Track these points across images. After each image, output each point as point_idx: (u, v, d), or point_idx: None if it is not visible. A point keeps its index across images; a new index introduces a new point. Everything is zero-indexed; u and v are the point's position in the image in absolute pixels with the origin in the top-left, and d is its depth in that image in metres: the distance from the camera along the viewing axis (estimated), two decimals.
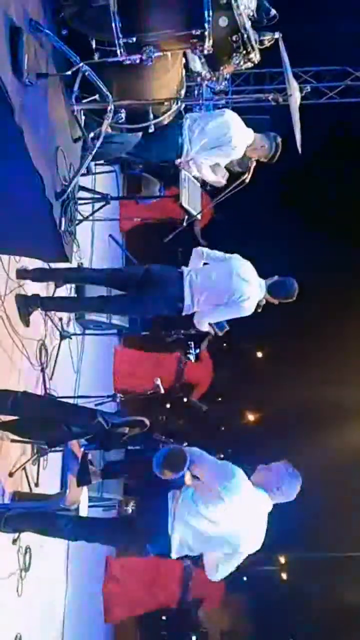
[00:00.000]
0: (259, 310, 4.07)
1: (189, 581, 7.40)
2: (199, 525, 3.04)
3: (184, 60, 3.78)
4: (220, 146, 4.31)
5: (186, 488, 3.09)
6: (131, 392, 6.44)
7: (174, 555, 3.09)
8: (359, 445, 10.34)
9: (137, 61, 2.98)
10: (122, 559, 7.04)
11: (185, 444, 3.40)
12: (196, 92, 3.99)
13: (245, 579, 9.98)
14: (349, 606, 10.22)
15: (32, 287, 3.96)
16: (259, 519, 3.16)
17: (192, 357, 8.47)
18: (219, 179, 4.56)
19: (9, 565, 3.56)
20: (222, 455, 3.45)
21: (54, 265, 3.95)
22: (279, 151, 4.38)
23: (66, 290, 4.68)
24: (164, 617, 10.16)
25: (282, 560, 11.54)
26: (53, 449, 3.75)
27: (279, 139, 4.39)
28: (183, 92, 3.64)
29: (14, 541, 3.57)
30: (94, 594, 6.80)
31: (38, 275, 3.89)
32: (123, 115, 3.20)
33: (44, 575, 4.21)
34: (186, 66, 4.04)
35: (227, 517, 3.05)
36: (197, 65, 4.59)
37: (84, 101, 3.05)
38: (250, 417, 13.03)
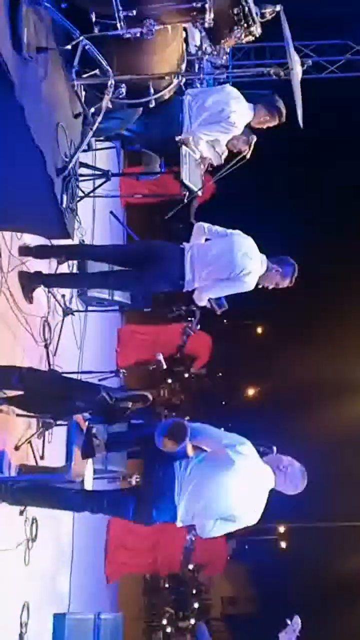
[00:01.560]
0: (260, 287, 4.10)
1: (191, 547, 7.56)
2: (206, 491, 3.10)
3: (184, 35, 3.75)
4: (219, 122, 4.29)
5: (194, 456, 3.16)
6: (134, 367, 6.50)
7: (179, 524, 3.16)
8: (357, 420, 10.45)
9: (138, 35, 2.96)
10: (124, 523, 7.17)
11: (187, 418, 3.46)
12: (197, 66, 3.96)
13: (246, 547, 10.18)
14: (347, 574, 10.44)
15: (35, 264, 3.98)
16: (261, 491, 3.23)
17: (193, 325, 8.53)
18: (216, 155, 4.55)
19: (16, 536, 3.65)
20: (222, 429, 3.51)
21: (55, 242, 3.97)
22: (283, 111, 4.34)
23: (68, 267, 4.71)
24: (167, 585, 10.39)
25: (282, 529, 11.74)
26: (58, 422, 3.81)
27: (279, 102, 4.34)
28: (184, 66, 3.62)
29: (21, 512, 3.65)
30: (100, 562, 6.96)
31: (40, 252, 3.91)
32: (124, 90, 3.19)
33: (51, 545, 4.31)
34: (186, 40, 4.00)
35: (234, 481, 3.11)
36: (197, 39, 4.56)
37: (85, 76, 3.04)
38: (251, 392, 13.14)
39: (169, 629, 10.47)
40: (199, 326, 8.65)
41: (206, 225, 4.11)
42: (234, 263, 3.92)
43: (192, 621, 9.89)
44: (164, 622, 10.51)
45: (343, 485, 10.33)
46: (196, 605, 10.57)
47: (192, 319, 8.88)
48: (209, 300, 4.12)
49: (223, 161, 4.46)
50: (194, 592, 10.62)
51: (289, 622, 3.96)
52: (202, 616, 10.66)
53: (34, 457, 3.86)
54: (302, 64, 3.95)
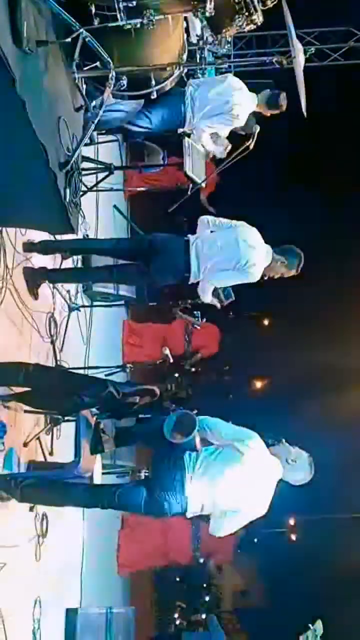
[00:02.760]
0: (265, 278, 4.07)
1: (199, 538, 7.59)
2: (215, 484, 3.11)
3: (185, 24, 3.71)
4: (222, 114, 4.26)
5: (204, 449, 3.16)
6: (140, 362, 6.50)
7: (189, 515, 3.16)
8: None
9: (138, 26, 2.94)
10: (137, 518, 7.20)
11: (195, 411, 3.45)
12: (198, 56, 3.92)
13: (255, 540, 10.19)
14: (358, 566, 10.43)
15: (39, 260, 3.97)
16: (269, 484, 3.23)
17: (198, 327, 8.50)
18: (218, 148, 4.51)
19: (27, 532, 3.66)
20: (230, 422, 3.50)
21: (60, 237, 3.95)
22: (285, 102, 4.30)
23: (72, 262, 4.69)
24: (178, 579, 10.42)
25: (292, 522, 11.76)
26: (66, 418, 3.81)
27: (279, 94, 4.31)
28: (185, 56, 3.58)
29: (31, 508, 3.65)
30: (111, 557, 6.98)
31: (44, 248, 3.90)
32: (125, 82, 3.15)
33: (61, 541, 4.32)
34: (187, 30, 3.96)
35: (244, 473, 3.12)
36: (198, 28, 4.52)
37: (85, 69, 3.01)
38: (259, 383, 13.12)
39: (180, 623, 10.51)
40: (205, 319, 8.62)
41: (210, 217, 4.09)
42: (238, 254, 3.89)
43: (204, 615, 9.93)
44: (176, 615, 10.55)
45: (353, 477, 10.31)
46: (207, 598, 10.61)
47: (198, 312, 8.85)
48: (215, 291, 4.09)
49: (226, 154, 4.42)
50: (205, 585, 10.66)
51: (310, 626, 3.92)
52: (213, 609, 10.71)
53: (43, 453, 3.86)
54: (305, 52, 3.89)
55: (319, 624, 3.89)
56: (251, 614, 12.51)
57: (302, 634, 3.88)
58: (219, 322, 9.12)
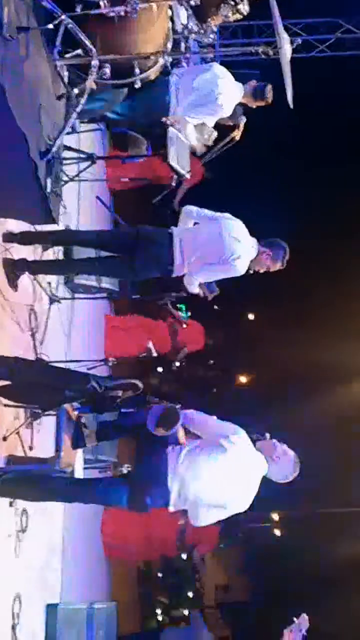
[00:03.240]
0: (251, 272, 4.03)
1: (184, 530, 7.61)
2: (198, 478, 3.09)
3: (169, 13, 3.65)
4: (207, 103, 4.20)
5: (187, 443, 3.14)
6: (123, 357, 6.44)
7: (172, 508, 3.14)
8: (352, 405, 10.50)
9: (122, 13, 2.88)
10: (117, 512, 7.19)
11: (179, 405, 3.42)
12: (183, 45, 3.87)
13: (240, 535, 10.25)
14: (341, 561, 10.55)
15: (19, 251, 3.89)
16: (253, 479, 3.22)
17: (185, 325, 8.48)
18: (200, 142, 4.46)
19: (6, 527, 3.61)
20: (214, 417, 3.49)
21: (40, 227, 3.88)
22: (271, 94, 4.26)
23: (54, 253, 4.62)
24: (160, 574, 10.45)
25: (276, 517, 11.83)
26: (47, 412, 3.75)
27: (265, 86, 4.27)
28: (169, 45, 3.53)
29: (11, 504, 3.60)
30: (91, 552, 6.95)
31: (25, 238, 3.83)
32: (108, 70, 3.10)
33: (41, 536, 4.27)
34: (171, 19, 3.90)
35: (227, 469, 3.10)
36: (183, 17, 4.45)
37: (67, 56, 2.95)
38: (243, 378, 13.15)
39: (162, 618, 10.54)
40: (189, 313, 8.59)
41: (195, 208, 4.03)
42: (223, 247, 3.85)
43: (186, 611, 9.97)
44: (158, 611, 10.58)
45: (338, 473, 10.40)
46: (190, 594, 10.65)
47: (182, 307, 8.82)
48: (199, 286, 4.06)
49: (212, 143, 4.37)
50: (188, 580, 10.69)
51: (295, 619, 3.92)
52: (196, 605, 10.75)
53: (23, 447, 3.80)
54: (292, 43, 3.85)
55: (304, 618, 3.90)
56: (234, 609, 12.59)
57: (287, 627, 3.88)
58: (204, 316, 9.10)
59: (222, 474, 3.12)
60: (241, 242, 3.87)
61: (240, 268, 3.92)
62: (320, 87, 7.85)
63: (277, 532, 11.86)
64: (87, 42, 2.86)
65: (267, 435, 3.32)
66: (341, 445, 10.24)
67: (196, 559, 10.55)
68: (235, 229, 3.89)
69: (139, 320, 8.30)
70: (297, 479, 3.29)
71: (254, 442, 3.23)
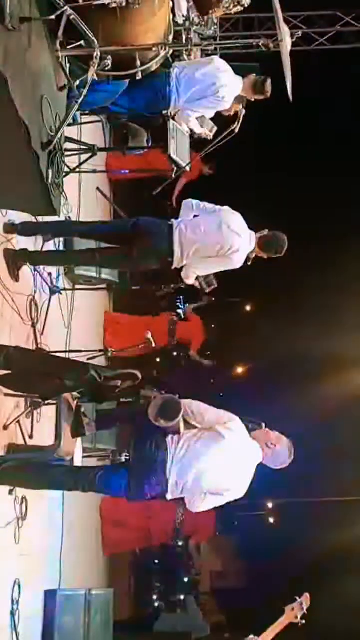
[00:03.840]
0: (249, 264, 4.07)
1: (181, 519, 7.69)
2: (196, 465, 3.13)
3: (171, 4, 3.66)
4: (208, 97, 4.22)
5: (186, 431, 3.18)
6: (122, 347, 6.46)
7: (169, 496, 3.18)
8: (346, 395, 10.55)
9: (123, 4, 2.89)
10: (116, 501, 7.25)
11: (177, 395, 3.47)
12: (184, 37, 3.87)
13: (235, 523, 10.32)
14: (335, 549, 10.63)
15: (20, 242, 3.92)
16: (249, 466, 3.27)
17: (180, 312, 8.51)
18: (206, 131, 4.48)
19: (6, 515, 3.65)
20: (211, 406, 3.53)
21: (41, 218, 3.90)
22: (266, 84, 4.28)
23: (54, 245, 4.64)
24: (156, 561, 10.53)
25: (270, 505, 11.91)
26: (47, 402, 3.79)
27: (267, 80, 4.29)
28: (171, 37, 3.53)
29: (10, 491, 3.65)
30: (90, 539, 7.01)
31: (26, 229, 3.85)
32: (109, 62, 3.10)
33: (41, 523, 4.32)
34: (173, 11, 3.90)
35: (224, 456, 3.15)
36: (184, 9, 4.46)
37: (69, 47, 2.96)
38: (240, 369, 13.19)
39: (159, 604, 10.63)
40: (187, 305, 8.63)
41: (195, 201, 4.06)
42: (222, 240, 3.89)
43: (182, 596, 10.06)
44: (154, 597, 10.67)
45: (333, 462, 10.47)
46: (185, 580, 10.74)
47: (180, 297, 8.85)
48: (197, 278, 4.09)
49: (212, 137, 4.39)
50: (184, 567, 10.77)
51: (297, 598, 4.01)
52: (191, 591, 10.84)
53: (23, 436, 3.84)
54: (292, 36, 3.86)
55: (306, 596, 3.98)
56: (229, 596, 12.70)
57: (289, 604, 3.97)
58: (201, 308, 9.14)
59: (219, 461, 3.17)
60: (240, 236, 3.91)
61: (238, 261, 3.96)
62: (319, 81, 7.84)
63: (272, 520, 11.96)
64: (89, 34, 2.87)
65: (263, 424, 3.37)
66: (336, 434, 10.31)
67: (191, 547, 10.65)
68: (234, 222, 3.93)
69: (138, 320, 8.32)
70: (292, 466, 3.35)
71: (249, 431, 3.28)
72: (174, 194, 6.76)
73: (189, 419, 3.27)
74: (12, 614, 3.67)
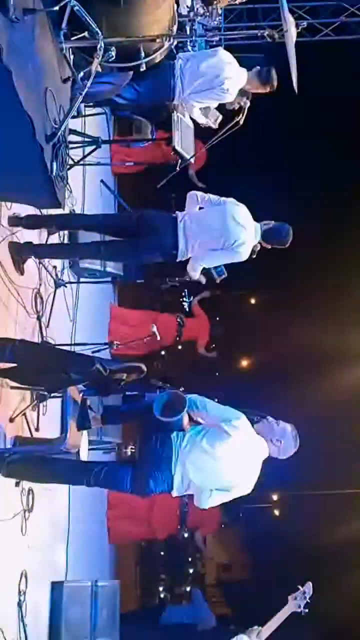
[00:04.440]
0: (254, 256, 4.06)
1: (186, 513, 7.72)
2: (202, 462, 3.12)
3: None
4: (213, 88, 4.19)
5: (191, 427, 3.18)
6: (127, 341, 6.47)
7: (175, 493, 3.18)
8: (348, 390, 10.55)
9: None
10: (121, 495, 7.29)
11: (182, 389, 3.46)
12: (188, 28, 3.85)
13: (240, 515, 10.37)
14: (340, 541, 10.66)
15: (25, 235, 3.92)
16: (256, 462, 3.26)
17: (186, 306, 8.51)
18: (210, 122, 4.47)
19: (13, 507, 3.67)
20: (216, 400, 3.54)
21: (46, 211, 3.90)
22: (273, 77, 4.25)
23: (59, 237, 4.64)
24: (162, 552, 10.59)
25: (275, 497, 11.95)
26: (52, 395, 3.80)
27: (270, 70, 4.26)
28: (175, 28, 3.51)
29: (17, 484, 3.66)
30: (96, 531, 7.05)
31: (30, 222, 3.84)
32: (113, 53, 3.09)
33: (47, 516, 4.35)
34: (177, 1, 3.88)
35: (230, 454, 3.14)
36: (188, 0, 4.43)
37: (73, 39, 2.94)
38: (245, 362, 13.19)
39: (164, 596, 10.71)
40: (192, 298, 8.63)
41: (199, 193, 4.04)
42: (227, 233, 3.87)
43: (188, 588, 10.13)
44: (160, 588, 10.75)
45: (337, 454, 10.48)
46: (191, 571, 10.81)
47: (185, 290, 8.86)
48: (205, 269, 4.08)
49: (217, 126, 4.37)
50: (190, 559, 10.84)
51: (300, 587, 4.03)
52: (197, 583, 10.91)
53: (29, 429, 3.86)
54: (297, 26, 3.83)
55: (308, 585, 4.00)
56: (235, 588, 12.77)
57: (292, 594, 3.99)
58: (206, 301, 9.13)
59: (225, 458, 3.15)
60: (245, 228, 3.89)
61: (243, 254, 3.94)
62: (324, 71, 7.79)
63: (277, 512, 12.00)
64: (93, 25, 2.85)
65: (268, 417, 3.36)
66: (343, 426, 10.31)
67: (198, 540, 10.70)
68: (239, 214, 3.90)
69: (145, 314, 8.32)
70: (296, 458, 3.34)
71: (253, 424, 3.27)
72: (194, 180, 6.69)
73: (193, 415, 3.26)
74: (19, 605, 3.70)
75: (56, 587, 4.53)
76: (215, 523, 9.22)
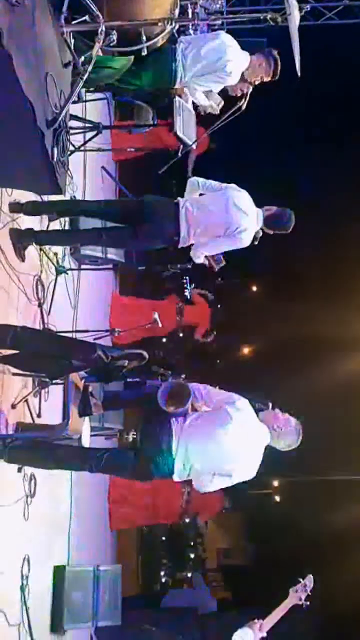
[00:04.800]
0: (256, 243, 4.04)
1: (189, 498, 7.77)
2: (203, 446, 3.14)
3: None
4: (215, 72, 4.15)
5: (192, 413, 3.19)
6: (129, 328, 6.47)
7: (176, 478, 3.19)
8: (348, 376, 10.58)
9: None
10: (123, 481, 7.33)
11: (183, 376, 3.47)
12: (190, 12, 3.80)
13: (241, 501, 10.45)
14: (339, 527, 10.75)
15: (26, 221, 3.90)
16: (257, 448, 3.27)
17: (187, 294, 8.51)
18: (213, 105, 4.42)
19: (16, 492, 3.70)
20: (217, 387, 3.54)
21: (47, 197, 3.88)
22: (279, 65, 4.20)
23: (60, 224, 4.62)
24: (164, 537, 10.68)
25: (275, 483, 12.03)
26: (54, 381, 3.81)
27: (275, 52, 4.20)
28: (177, 12, 3.47)
29: (20, 469, 3.68)
30: (98, 516, 7.11)
31: (31, 209, 3.83)
32: (114, 37, 3.05)
33: (50, 501, 4.38)
34: None
35: (231, 438, 3.15)
36: None
37: (74, 22, 2.91)
38: (246, 350, 13.22)
39: (166, 580, 10.82)
40: (193, 286, 8.62)
41: (200, 179, 4.01)
42: (229, 220, 3.85)
43: (189, 573, 10.23)
44: (162, 573, 10.85)
45: (337, 441, 10.53)
46: (192, 556, 10.91)
47: (186, 277, 8.84)
48: (206, 257, 4.07)
49: (219, 111, 4.33)
50: (191, 544, 10.93)
51: (301, 579, 4.05)
52: (198, 567, 11.02)
53: (31, 415, 3.87)
54: (300, 10, 3.78)
55: (310, 578, 4.02)
56: (235, 572, 12.89)
57: (294, 587, 4.01)
58: (208, 288, 9.13)
59: (227, 442, 3.16)
60: (247, 215, 3.87)
61: (246, 240, 3.93)
62: (328, 55, 7.71)
63: (277, 499, 12.08)
64: (94, 8, 2.82)
65: (270, 405, 3.36)
66: (341, 413, 10.36)
67: (200, 524, 10.80)
68: (241, 200, 3.88)
69: (146, 303, 8.32)
70: (300, 445, 3.35)
71: (257, 411, 3.27)
72: (189, 169, 6.67)
73: (197, 405, 3.26)
74: (22, 589, 3.74)
75: (58, 572, 4.57)
76: (218, 507, 9.27)
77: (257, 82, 4.23)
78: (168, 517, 8.25)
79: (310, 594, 4.00)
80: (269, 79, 4.25)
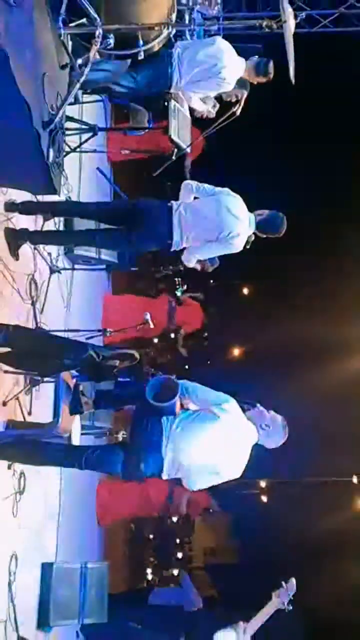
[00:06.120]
0: (248, 247, 4.08)
1: (173, 497, 7.81)
2: (191, 445, 3.18)
3: None
4: (211, 77, 4.19)
5: (182, 411, 3.23)
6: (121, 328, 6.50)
7: (165, 476, 3.23)
8: (338, 379, 10.65)
9: None
10: (112, 482, 7.36)
11: (174, 376, 3.51)
12: (187, 17, 3.84)
13: (228, 501, 10.48)
14: (325, 529, 10.82)
15: (21, 221, 3.93)
16: (245, 446, 3.31)
17: (179, 294, 8.55)
18: (209, 109, 4.47)
19: (5, 489, 3.72)
20: (206, 387, 3.58)
21: (42, 197, 3.91)
22: (272, 71, 4.25)
23: (54, 224, 4.65)
24: (151, 536, 10.70)
25: (263, 484, 12.08)
26: (45, 379, 3.84)
27: (270, 63, 4.26)
28: (174, 16, 3.50)
29: (9, 466, 3.71)
30: (87, 513, 7.12)
31: (26, 208, 3.86)
32: (112, 40, 3.09)
33: (39, 498, 4.40)
34: None
35: (219, 437, 3.19)
36: None
37: (71, 25, 2.94)
38: (237, 351, 13.27)
39: (152, 578, 10.84)
40: (185, 287, 8.66)
41: (194, 183, 4.05)
42: (222, 225, 3.88)
43: (176, 571, 10.25)
44: (148, 571, 10.87)
45: (326, 443, 10.60)
46: (179, 555, 10.93)
47: (178, 279, 8.89)
48: (198, 261, 4.10)
49: (214, 115, 4.38)
50: (178, 542, 10.96)
51: (284, 584, 4.08)
52: (185, 566, 11.04)
53: (22, 413, 3.90)
54: (295, 17, 3.84)
55: (292, 582, 4.05)
56: (222, 571, 12.94)
57: (276, 591, 4.04)
58: (200, 290, 9.17)
59: (215, 441, 3.20)
60: (240, 220, 3.90)
61: (238, 245, 3.97)
62: (322, 63, 7.78)
63: (264, 499, 12.14)
64: (92, 11, 2.85)
65: (258, 404, 3.41)
66: (332, 416, 10.43)
67: (185, 522, 10.82)
68: (233, 205, 3.91)
69: (138, 301, 8.33)
70: (287, 446, 3.40)
71: (244, 411, 3.32)
72: (186, 172, 6.70)
73: (184, 401, 3.30)
74: (9, 585, 3.76)
75: (46, 568, 4.59)
76: (203, 505, 9.30)
77: (254, 81, 4.28)
78: (157, 508, 8.29)
79: (292, 598, 4.04)
80: (263, 81, 4.31)
